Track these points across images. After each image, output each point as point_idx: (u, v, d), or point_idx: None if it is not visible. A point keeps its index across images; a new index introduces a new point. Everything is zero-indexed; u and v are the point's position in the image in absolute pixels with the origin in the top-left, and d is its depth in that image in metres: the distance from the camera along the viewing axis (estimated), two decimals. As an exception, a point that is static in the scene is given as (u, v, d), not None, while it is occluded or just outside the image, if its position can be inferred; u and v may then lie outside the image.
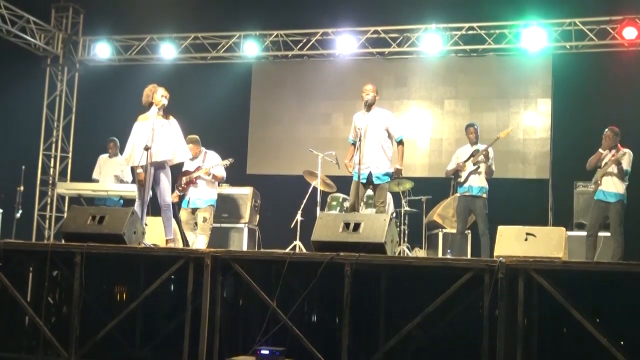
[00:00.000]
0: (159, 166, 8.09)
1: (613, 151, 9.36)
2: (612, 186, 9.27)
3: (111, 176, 11.56)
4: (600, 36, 11.95)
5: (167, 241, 8.22)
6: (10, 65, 13.15)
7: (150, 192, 8.18)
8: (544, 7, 12.01)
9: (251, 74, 13.86)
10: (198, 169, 9.90)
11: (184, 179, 9.88)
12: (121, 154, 11.67)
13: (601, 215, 9.34)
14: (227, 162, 10.04)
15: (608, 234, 9.44)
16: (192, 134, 9.79)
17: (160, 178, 8.11)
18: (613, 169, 9.23)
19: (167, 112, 8.23)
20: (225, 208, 10.87)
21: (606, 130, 9.42)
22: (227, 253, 6.70)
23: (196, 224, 9.85)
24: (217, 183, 10.14)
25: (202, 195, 9.92)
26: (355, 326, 6.44)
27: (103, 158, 11.81)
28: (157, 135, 7.95)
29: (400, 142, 8.55)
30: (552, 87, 12.41)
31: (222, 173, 10.06)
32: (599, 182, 9.34)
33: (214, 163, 9.99)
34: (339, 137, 12.02)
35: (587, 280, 6.18)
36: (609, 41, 11.93)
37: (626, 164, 9.23)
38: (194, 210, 9.87)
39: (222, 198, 10.80)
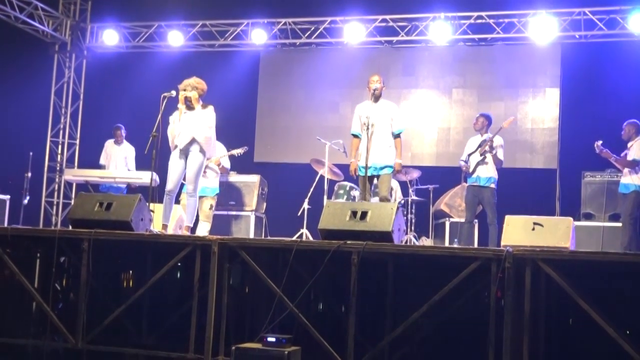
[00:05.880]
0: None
1: (631, 142, 9.41)
2: (627, 178, 9.44)
3: (118, 163, 11.57)
4: (610, 26, 11.86)
5: (187, 227, 8.25)
6: (18, 52, 13.17)
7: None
8: (553, -4, 11.96)
9: (259, 62, 13.81)
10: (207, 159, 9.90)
11: None
12: (127, 141, 11.77)
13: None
14: (240, 150, 10.13)
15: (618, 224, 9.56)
16: None
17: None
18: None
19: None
20: (233, 196, 10.91)
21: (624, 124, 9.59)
22: (234, 240, 6.70)
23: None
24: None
25: (210, 184, 9.93)
26: (362, 314, 6.45)
27: (110, 143, 11.82)
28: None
29: (399, 136, 8.42)
30: (561, 76, 12.33)
31: (229, 164, 10.15)
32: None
33: (222, 153, 10.02)
34: (346, 125, 11.92)
35: (594, 270, 6.18)
36: (618, 31, 11.84)
37: (634, 154, 9.27)
38: (199, 197, 9.88)
39: (229, 186, 10.85)
